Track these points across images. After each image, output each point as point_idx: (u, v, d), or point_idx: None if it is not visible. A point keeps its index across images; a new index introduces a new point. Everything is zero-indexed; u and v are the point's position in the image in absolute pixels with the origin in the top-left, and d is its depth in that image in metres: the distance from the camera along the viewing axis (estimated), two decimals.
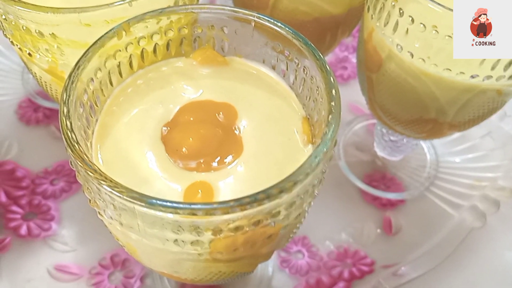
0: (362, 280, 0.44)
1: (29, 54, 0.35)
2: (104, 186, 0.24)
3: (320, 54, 0.31)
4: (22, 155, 0.51)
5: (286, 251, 0.47)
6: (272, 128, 0.32)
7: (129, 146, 0.31)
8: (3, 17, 0.33)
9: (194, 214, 0.24)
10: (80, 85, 0.29)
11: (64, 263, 0.46)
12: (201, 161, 0.30)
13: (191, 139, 0.30)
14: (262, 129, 0.32)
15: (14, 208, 0.47)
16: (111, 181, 0.24)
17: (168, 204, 0.24)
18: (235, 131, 0.32)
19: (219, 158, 0.30)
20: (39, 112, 0.54)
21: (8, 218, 0.47)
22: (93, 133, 0.31)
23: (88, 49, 0.30)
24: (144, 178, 0.29)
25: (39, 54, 0.34)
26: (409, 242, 0.47)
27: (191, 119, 0.31)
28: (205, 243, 0.26)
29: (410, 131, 0.44)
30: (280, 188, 0.25)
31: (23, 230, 0.46)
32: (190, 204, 0.24)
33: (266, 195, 0.24)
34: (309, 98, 0.32)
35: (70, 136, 0.26)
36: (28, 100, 0.55)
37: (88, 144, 0.30)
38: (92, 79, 0.30)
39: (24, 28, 0.33)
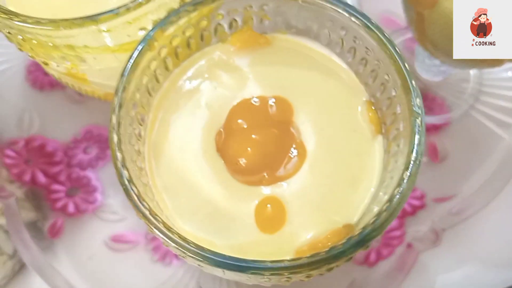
0: (415, 217, 0.44)
1: (45, 63, 0.30)
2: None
3: (388, 36, 0.26)
4: (46, 126, 0.49)
5: None
6: (334, 119, 0.29)
7: (184, 164, 0.28)
8: (7, 31, 0.28)
9: (261, 274, 0.23)
10: (124, 111, 0.26)
11: (119, 233, 0.46)
12: (265, 174, 0.28)
13: (249, 149, 0.28)
14: (322, 122, 0.29)
15: (56, 186, 0.47)
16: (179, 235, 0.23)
17: (231, 262, 0.23)
18: (293, 130, 0.29)
19: (282, 167, 0.28)
20: (52, 76, 0.50)
21: (53, 199, 0.46)
22: (144, 158, 0.28)
23: (124, 72, 0.26)
24: (208, 201, 0.28)
25: (56, 62, 0.30)
26: (458, 169, 0.46)
27: (245, 126, 0.28)
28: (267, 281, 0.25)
29: (463, 65, 0.40)
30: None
31: (71, 208, 0.46)
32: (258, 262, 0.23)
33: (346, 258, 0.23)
34: (374, 79, 0.29)
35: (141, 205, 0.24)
36: (36, 63, 0.50)
37: (143, 173, 0.28)
38: (133, 105, 0.27)
39: (34, 41, 0.28)
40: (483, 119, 0.49)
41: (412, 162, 0.23)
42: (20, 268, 0.43)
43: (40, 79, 0.51)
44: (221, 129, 0.29)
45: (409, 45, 0.52)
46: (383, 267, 0.41)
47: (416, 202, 0.46)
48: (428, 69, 0.48)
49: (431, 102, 0.50)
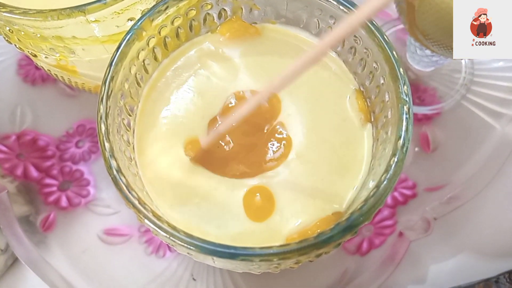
0: (406, 207, 0.45)
1: (34, 55, 0.30)
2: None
3: (376, 24, 0.26)
4: (38, 121, 0.48)
5: None
6: (324, 108, 0.29)
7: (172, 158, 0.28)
8: None
9: (251, 261, 0.23)
10: (112, 101, 0.26)
11: (113, 226, 0.46)
12: (251, 166, 0.28)
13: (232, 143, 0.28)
14: (311, 112, 0.29)
15: (48, 180, 0.46)
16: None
17: (221, 250, 0.23)
18: (280, 120, 0.29)
19: (269, 157, 0.28)
20: (42, 69, 0.50)
21: (46, 193, 0.46)
22: (134, 148, 0.28)
23: (112, 61, 0.26)
24: (198, 192, 0.28)
25: (45, 54, 0.30)
26: (449, 159, 0.46)
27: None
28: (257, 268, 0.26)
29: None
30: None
31: (64, 202, 0.46)
32: (247, 249, 0.23)
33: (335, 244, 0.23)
34: (363, 68, 0.29)
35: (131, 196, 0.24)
36: (27, 57, 0.50)
37: (133, 163, 0.28)
38: (122, 95, 0.27)
39: (22, 32, 0.28)
40: (475, 109, 0.49)
41: (399, 149, 0.23)
42: (13, 262, 0.43)
43: (31, 73, 0.50)
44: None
45: (401, 36, 0.52)
46: (375, 256, 0.41)
47: (407, 192, 0.46)
48: (419, 59, 0.48)
49: (422, 92, 0.50)
